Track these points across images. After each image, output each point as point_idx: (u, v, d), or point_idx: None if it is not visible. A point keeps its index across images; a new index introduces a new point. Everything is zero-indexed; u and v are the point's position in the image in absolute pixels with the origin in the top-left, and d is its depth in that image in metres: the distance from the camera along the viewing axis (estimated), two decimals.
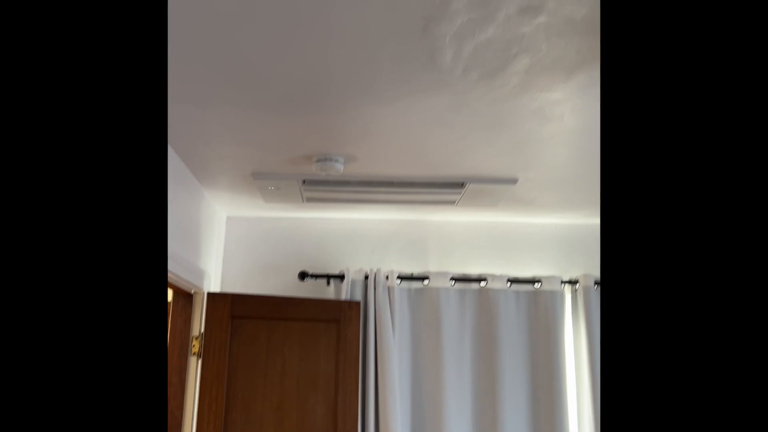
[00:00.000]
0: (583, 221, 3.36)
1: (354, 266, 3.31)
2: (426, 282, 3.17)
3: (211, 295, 2.83)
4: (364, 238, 3.36)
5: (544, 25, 1.45)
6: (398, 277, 3.15)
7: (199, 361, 2.79)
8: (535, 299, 3.19)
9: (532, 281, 3.19)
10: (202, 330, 2.81)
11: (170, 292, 2.90)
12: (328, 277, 3.17)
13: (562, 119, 2.01)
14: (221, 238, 3.28)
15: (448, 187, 2.72)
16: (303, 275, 3.16)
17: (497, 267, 3.33)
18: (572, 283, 3.21)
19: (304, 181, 2.69)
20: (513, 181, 2.65)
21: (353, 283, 3.13)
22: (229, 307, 2.83)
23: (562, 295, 3.18)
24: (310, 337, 2.90)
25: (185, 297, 2.84)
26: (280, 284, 3.28)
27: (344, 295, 3.10)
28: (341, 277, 3.14)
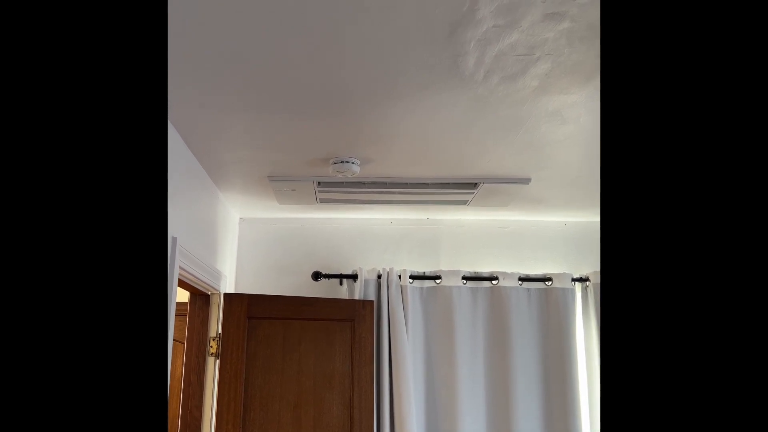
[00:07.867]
0: (593, 219, 3.40)
1: (366, 266, 3.34)
2: (438, 281, 3.20)
3: (227, 296, 2.86)
4: (376, 238, 3.39)
5: (567, 31, 1.49)
6: (410, 276, 3.19)
7: (217, 362, 2.83)
8: (546, 297, 3.23)
9: (543, 279, 3.22)
10: (220, 330, 2.85)
11: (187, 294, 2.94)
12: (341, 277, 3.21)
13: (578, 121, 2.04)
14: (234, 239, 3.31)
15: (462, 188, 2.76)
16: (316, 275, 3.20)
17: (508, 265, 3.37)
18: (583, 280, 3.25)
19: (319, 183, 2.72)
20: (526, 180, 2.68)
21: (366, 282, 3.17)
22: (245, 308, 2.86)
23: (573, 292, 3.22)
24: (325, 336, 2.94)
25: (202, 298, 2.88)
26: (294, 285, 3.32)
27: (357, 295, 3.13)
28: (354, 276, 3.18)
